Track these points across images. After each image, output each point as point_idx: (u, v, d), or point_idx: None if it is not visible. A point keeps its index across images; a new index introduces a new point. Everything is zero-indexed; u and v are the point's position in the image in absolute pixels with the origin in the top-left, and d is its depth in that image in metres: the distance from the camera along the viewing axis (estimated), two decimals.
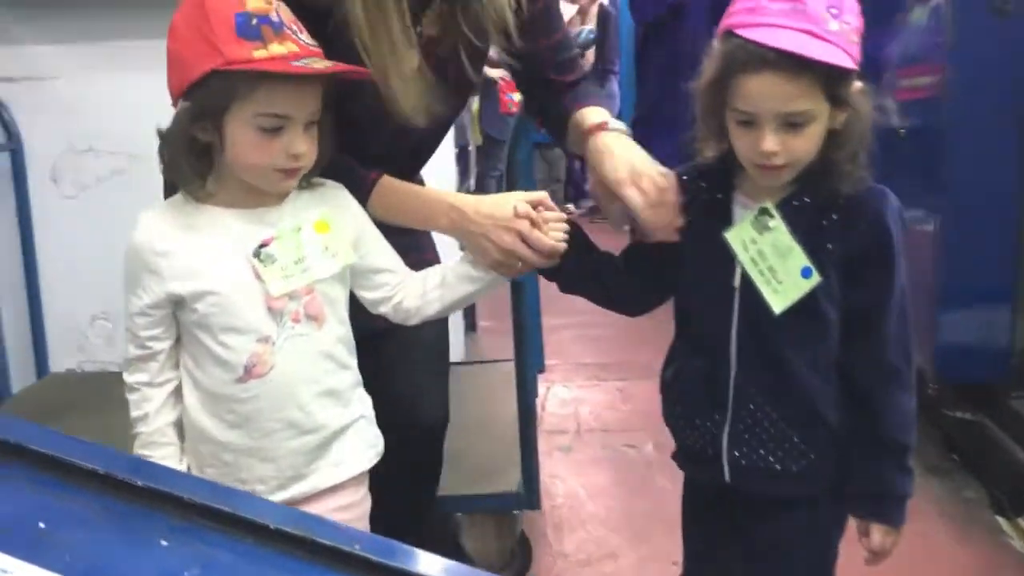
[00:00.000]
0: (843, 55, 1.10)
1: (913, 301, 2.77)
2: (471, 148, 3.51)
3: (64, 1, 2.57)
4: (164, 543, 0.91)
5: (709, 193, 1.26)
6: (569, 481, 2.51)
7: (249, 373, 1.20)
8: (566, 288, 1.38)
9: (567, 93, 1.50)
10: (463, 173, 3.33)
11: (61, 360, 2.78)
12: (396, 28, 1.26)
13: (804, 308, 1.18)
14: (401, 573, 0.86)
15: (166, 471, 1.05)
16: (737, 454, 1.23)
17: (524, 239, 1.26)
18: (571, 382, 3.34)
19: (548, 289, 1.40)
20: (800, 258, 1.17)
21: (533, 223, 1.27)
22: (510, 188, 1.74)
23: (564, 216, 1.31)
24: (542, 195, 1.31)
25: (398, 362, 1.39)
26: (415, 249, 1.44)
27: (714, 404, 1.24)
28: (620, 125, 1.40)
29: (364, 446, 1.31)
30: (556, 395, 3.23)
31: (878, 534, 1.24)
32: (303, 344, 1.21)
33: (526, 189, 1.75)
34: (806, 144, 1.14)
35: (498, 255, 1.28)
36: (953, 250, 2.53)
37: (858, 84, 1.16)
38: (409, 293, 1.32)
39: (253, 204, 1.22)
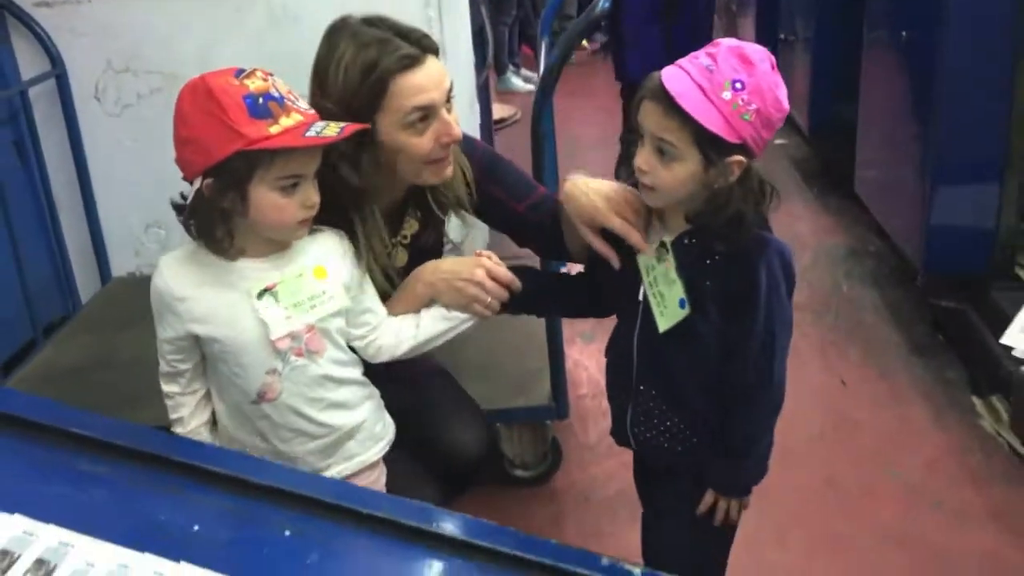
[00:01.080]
0: (717, 119, 1.26)
1: (906, 195, 2.92)
2: (488, 28, 3.56)
3: None
4: (287, 533, 1.18)
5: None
6: (591, 369, 2.79)
7: (262, 398, 1.41)
8: (541, 310, 1.68)
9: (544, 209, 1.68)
10: (481, 58, 3.40)
11: (121, 265, 3.02)
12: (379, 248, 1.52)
13: (685, 329, 1.38)
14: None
15: (282, 470, 1.30)
16: (636, 431, 1.50)
17: (489, 273, 1.49)
18: None
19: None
20: (679, 291, 1.38)
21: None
22: (535, 151, 1.91)
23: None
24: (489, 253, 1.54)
25: (424, 409, 1.63)
26: None
27: (624, 390, 1.50)
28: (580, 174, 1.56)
29: (372, 441, 1.52)
30: None
31: (710, 496, 1.49)
32: (307, 372, 1.42)
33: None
34: (670, 177, 1.31)
35: (472, 290, 1.48)
36: (945, 140, 2.67)
37: (737, 158, 1.30)
38: (385, 333, 1.50)
39: (265, 252, 1.39)
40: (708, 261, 1.37)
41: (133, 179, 2.89)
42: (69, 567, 0.99)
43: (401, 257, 1.63)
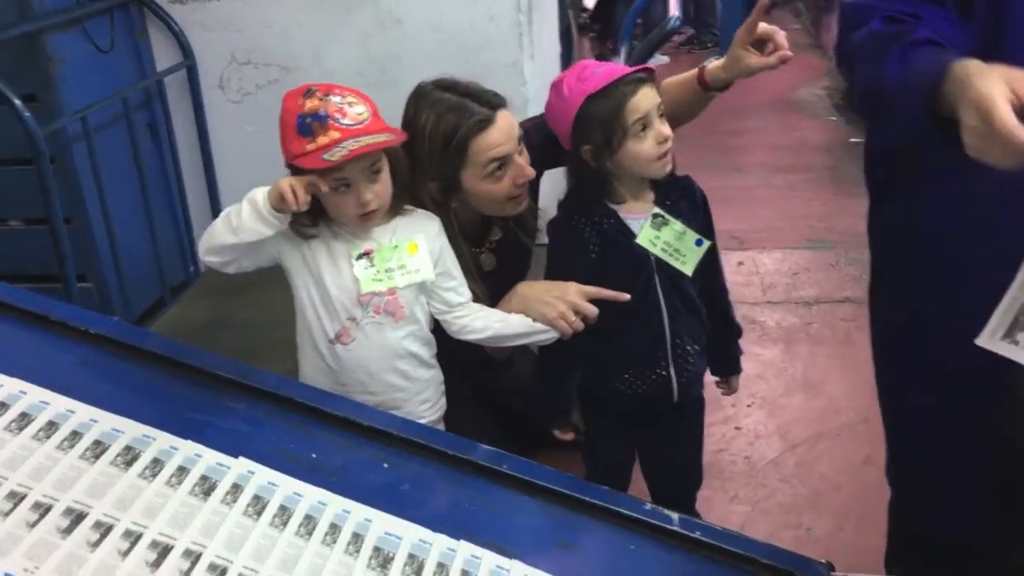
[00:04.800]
0: None
1: None
2: (574, 29, 3.77)
3: None
4: (385, 465, 1.46)
5: (605, 221, 1.70)
6: None
7: (338, 339, 1.66)
8: None
9: None
10: (567, 55, 3.63)
11: None
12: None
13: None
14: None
15: (385, 416, 1.57)
16: (682, 382, 1.75)
17: (575, 305, 1.68)
18: None
19: None
20: (692, 235, 1.69)
21: None
22: None
23: None
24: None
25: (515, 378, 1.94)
26: None
27: (660, 365, 1.74)
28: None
29: (423, 408, 1.73)
30: None
31: (735, 381, 1.92)
32: (380, 330, 1.65)
33: None
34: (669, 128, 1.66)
35: (561, 306, 1.66)
36: None
37: None
38: (475, 316, 1.70)
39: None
40: (684, 202, 1.72)
41: (250, 160, 3.20)
42: (208, 471, 1.29)
43: (489, 261, 1.87)
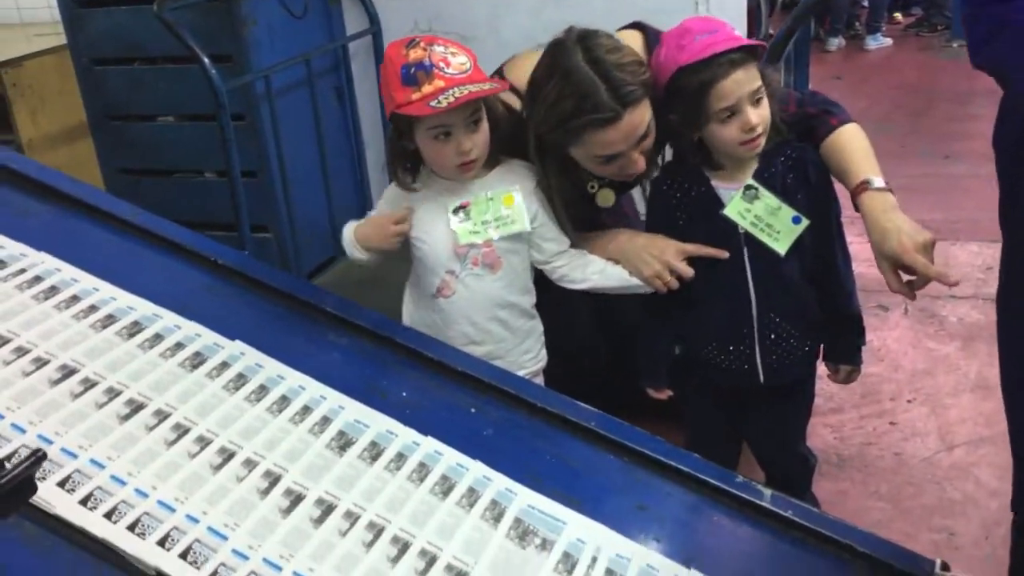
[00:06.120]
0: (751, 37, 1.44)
1: None
2: (764, 6, 3.59)
3: None
4: (473, 410, 1.47)
5: (695, 189, 1.62)
6: None
7: (439, 292, 1.69)
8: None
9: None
10: (756, 33, 3.46)
11: None
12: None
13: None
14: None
15: (479, 363, 1.59)
16: (768, 362, 1.65)
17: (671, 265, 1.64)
18: None
19: None
20: (788, 212, 1.57)
21: None
22: None
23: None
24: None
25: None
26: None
27: (743, 340, 1.64)
28: (878, 182, 1.56)
29: (526, 358, 1.74)
30: None
31: (845, 372, 1.73)
32: (479, 282, 1.66)
33: None
34: (768, 113, 1.52)
35: (657, 265, 1.63)
36: None
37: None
38: (575, 266, 1.69)
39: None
40: (792, 175, 1.59)
41: None
42: (308, 402, 1.35)
43: (607, 197, 1.81)
